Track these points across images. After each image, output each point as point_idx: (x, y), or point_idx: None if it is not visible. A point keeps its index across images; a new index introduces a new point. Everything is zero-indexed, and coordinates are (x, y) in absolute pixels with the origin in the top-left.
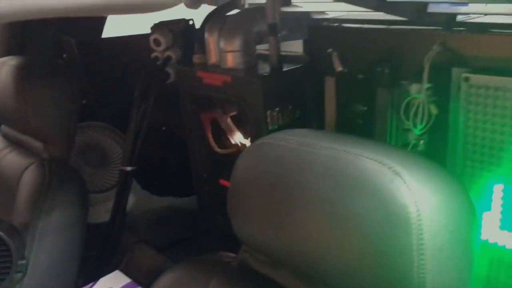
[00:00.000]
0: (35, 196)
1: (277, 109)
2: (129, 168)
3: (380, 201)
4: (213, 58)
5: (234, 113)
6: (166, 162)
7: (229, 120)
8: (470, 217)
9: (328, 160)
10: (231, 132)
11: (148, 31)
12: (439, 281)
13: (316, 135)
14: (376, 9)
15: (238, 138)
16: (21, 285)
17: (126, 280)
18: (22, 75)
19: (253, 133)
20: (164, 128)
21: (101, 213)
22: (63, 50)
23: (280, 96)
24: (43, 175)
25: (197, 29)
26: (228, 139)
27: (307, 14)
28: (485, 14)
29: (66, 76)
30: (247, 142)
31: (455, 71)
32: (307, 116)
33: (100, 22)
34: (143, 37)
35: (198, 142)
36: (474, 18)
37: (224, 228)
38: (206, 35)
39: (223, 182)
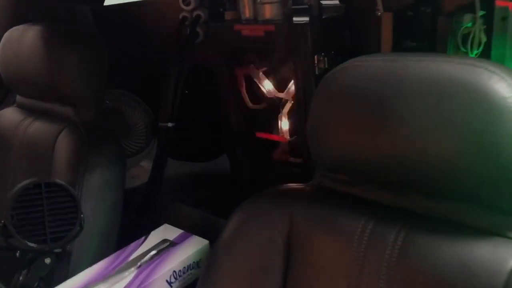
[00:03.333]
0: (76, 157)
1: (322, 54)
2: (170, 124)
3: (480, 97)
4: (247, 12)
5: (266, 68)
6: (190, 126)
7: (262, 74)
8: None
9: (420, 70)
10: (265, 86)
11: None
12: None
13: (398, 54)
14: None
15: (272, 91)
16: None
17: (178, 231)
18: (50, 41)
19: (299, 79)
20: (186, 92)
21: (127, 179)
22: (75, 18)
23: (324, 42)
24: (80, 137)
25: None
26: (261, 94)
27: None
28: None
29: (93, 42)
30: (282, 95)
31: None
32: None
33: None
34: (157, 1)
35: (231, 99)
36: None
37: (258, 181)
38: None
39: (260, 135)
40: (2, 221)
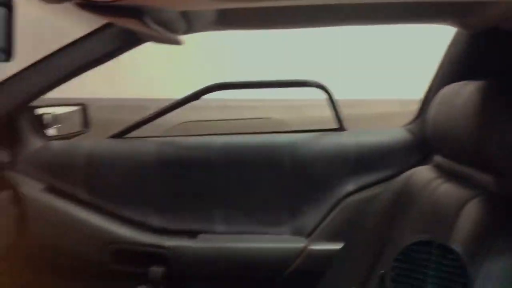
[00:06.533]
0: (481, 232)
1: None
2: None
3: None
4: None
5: None
6: None
7: None
8: None
9: None
10: None
11: None
12: None
13: None
14: None
15: None
16: None
17: None
18: (484, 100)
19: None
20: None
21: None
22: None
23: None
24: (491, 210)
25: None
26: None
27: None
28: None
29: None
30: None
31: None
32: None
33: None
34: None
35: None
36: None
37: None
38: None
39: None
40: (382, 271)
